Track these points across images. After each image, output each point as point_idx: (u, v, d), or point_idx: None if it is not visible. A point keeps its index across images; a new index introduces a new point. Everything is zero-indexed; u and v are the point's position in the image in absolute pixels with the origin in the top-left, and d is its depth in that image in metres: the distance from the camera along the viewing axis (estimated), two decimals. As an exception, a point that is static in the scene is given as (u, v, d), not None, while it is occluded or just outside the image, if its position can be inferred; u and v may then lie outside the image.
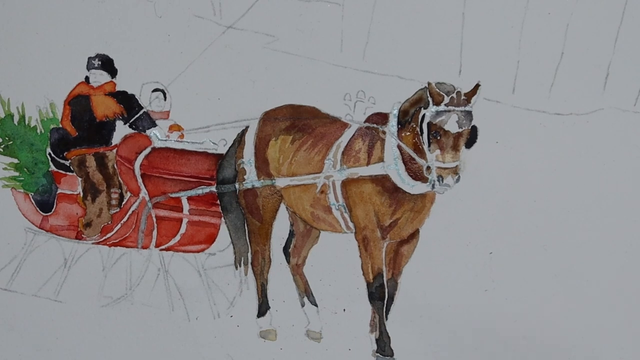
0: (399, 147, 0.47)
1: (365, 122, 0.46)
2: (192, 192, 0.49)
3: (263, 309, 0.51)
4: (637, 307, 0.48)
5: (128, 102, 0.48)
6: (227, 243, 0.50)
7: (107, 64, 0.47)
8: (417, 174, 0.46)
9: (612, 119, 0.44)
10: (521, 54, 0.44)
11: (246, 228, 0.50)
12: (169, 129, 0.48)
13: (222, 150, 0.48)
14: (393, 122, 0.46)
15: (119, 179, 0.49)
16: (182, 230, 0.50)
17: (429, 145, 0.46)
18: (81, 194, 0.51)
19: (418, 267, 0.49)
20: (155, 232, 0.50)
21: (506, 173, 0.46)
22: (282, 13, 0.45)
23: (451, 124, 0.45)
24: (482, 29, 0.43)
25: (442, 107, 0.45)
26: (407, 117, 0.46)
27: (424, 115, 0.46)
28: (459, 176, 0.46)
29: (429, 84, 0.45)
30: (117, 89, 0.47)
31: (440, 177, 0.46)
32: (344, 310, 0.50)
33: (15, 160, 0.51)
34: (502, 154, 0.45)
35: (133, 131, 0.48)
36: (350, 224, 0.48)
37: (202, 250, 0.50)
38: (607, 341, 0.49)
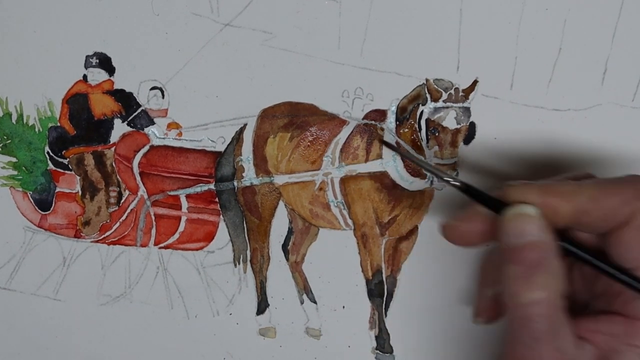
0: (397, 143, 0.47)
1: (363, 118, 0.46)
2: (191, 190, 0.49)
3: (262, 306, 0.51)
4: None
5: (126, 100, 0.48)
6: (226, 241, 0.50)
7: (104, 62, 0.47)
8: (415, 171, 0.46)
9: (611, 115, 0.44)
10: (519, 50, 0.44)
11: (245, 226, 0.50)
12: (167, 127, 0.48)
13: (221, 148, 0.48)
14: (391, 119, 0.46)
15: (118, 177, 0.50)
16: (181, 228, 0.50)
17: (427, 142, 0.46)
18: (80, 193, 0.51)
19: (417, 263, 0.49)
20: (154, 230, 0.50)
21: (504, 169, 0.46)
22: (280, 10, 0.45)
23: (449, 121, 0.45)
24: (479, 26, 0.43)
25: (440, 104, 0.45)
26: (405, 113, 0.46)
27: (422, 112, 0.46)
28: (458, 172, 0.46)
29: (427, 80, 0.45)
30: (115, 87, 0.48)
31: (438, 174, 0.46)
32: (343, 307, 0.50)
33: (14, 159, 0.51)
34: (501, 150, 0.45)
35: (131, 129, 0.48)
36: (349, 221, 0.48)
37: (201, 248, 0.50)
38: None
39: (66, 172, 0.50)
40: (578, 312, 0.36)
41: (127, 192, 0.50)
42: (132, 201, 0.50)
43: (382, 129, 0.46)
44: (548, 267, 0.34)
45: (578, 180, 0.37)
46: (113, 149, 0.49)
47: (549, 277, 0.34)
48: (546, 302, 0.33)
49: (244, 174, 0.49)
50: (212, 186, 0.49)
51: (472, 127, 0.45)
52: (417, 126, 0.46)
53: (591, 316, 0.36)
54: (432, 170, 0.43)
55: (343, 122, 0.47)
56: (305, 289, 0.51)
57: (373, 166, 0.47)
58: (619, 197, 0.34)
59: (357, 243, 0.49)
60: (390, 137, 0.46)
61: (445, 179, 0.40)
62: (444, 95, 0.45)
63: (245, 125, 0.48)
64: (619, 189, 0.35)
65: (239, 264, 0.51)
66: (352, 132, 0.47)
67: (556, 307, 0.33)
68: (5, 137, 0.50)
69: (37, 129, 0.49)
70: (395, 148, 0.46)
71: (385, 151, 0.47)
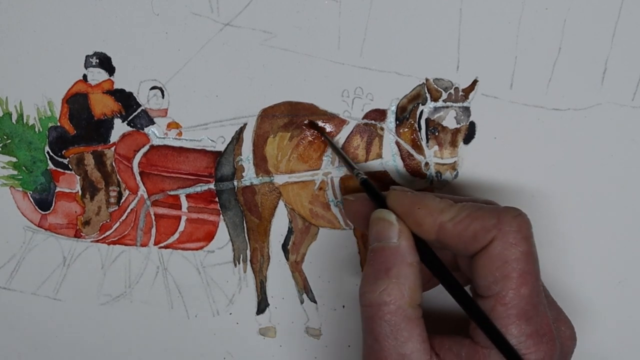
0: (397, 143, 0.47)
1: (363, 118, 0.46)
2: (191, 190, 0.49)
3: (262, 306, 0.51)
4: (637, 303, 0.49)
5: (126, 100, 0.48)
6: (226, 240, 0.50)
7: (104, 62, 0.47)
8: (415, 170, 0.46)
9: (610, 114, 0.44)
10: (519, 50, 0.44)
11: (245, 225, 0.50)
12: (167, 127, 0.48)
13: (221, 147, 0.48)
14: (391, 119, 0.46)
15: (118, 176, 0.50)
16: (181, 227, 0.50)
17: (427, 142, 0.46)
18: (80, 192, 0.51)
19: (417, 263, 0.49)
20: (154, 230, 0.50)
21: (504, 169, 0.46)
22: (280, 10, 0.45)
23: (449, 120, 0.45)
24: (479, 25, 0.43)
25: (440, 103, 0.45)
26: (405, 113, 0.46)
27: (422, 112, 0.46)
28: (457, 172, 0.46)
29: (426, 80, 0.45)
30: (115, 86, 0.47)
31: (438, 173, 0.46)
32: (343, 306, 0.50)
33: (14, 159, 0.51)
34: (500, 150, 0.45)
35: (131, 129, 0.48)
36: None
37: (201, 247, 0.50)
38: (607, 338, 0.49)
39: (66, 171, 0.50)
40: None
41: (127, 191, 0.50)
42: (132, 201, 0.50)
43: (382, 129, 0.46)
44: (396, 273, 0.35)
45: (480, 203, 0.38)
46: (113, 148, 0.49)
47: (394, 282, 0.34)
48: (388, 306, 0.34)
49: (243, 174, 0.49)
50: (212, 186, 0.49)
51: (471, 126, 0.45)
52: (417, 126, 0.46)
53: (450, 335, 0.36)
54: (346, 159, 0.44)
55: (343, 122, 0.47)
56: (305, 288, 0.51)
57: (373, 165, 0.47)
58: (480, 223, 0.35)
59: (357, 243, 0.49)
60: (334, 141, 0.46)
61: (354, 172, 0.42)
62: (444, 95, 0.45)
63: (245, 124, 0.48)
64: (482, 215, 0.35)
65: (239, 263, 0.51)
66: (352, 131, 0.47)
67: (401, 312, 0.34)
68: (5, 137, 0.50)
69: (37, 129, 0.49)
70: (332, 143, 0.46)
71: (385, 151, 0.47)
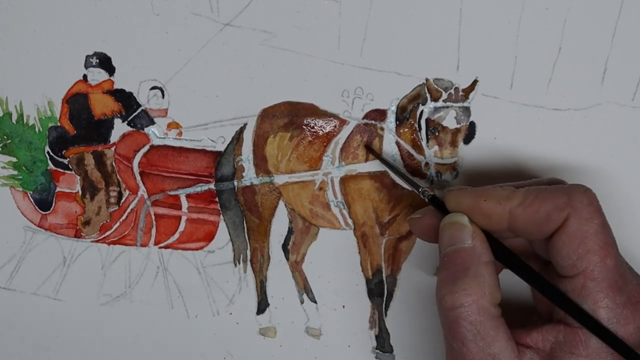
0: (397, 143, 0.47)
1: (363, 118, 0.46)
2: (191, 190, 0.49)
3: (262, 306, 0.51)
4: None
5: (126, 100, 0.48)
6: (226, 240, 0.50)
7: (104, 62, 0.47)
8: (415, 170, 0.46)
9: (610, 114, 0.44)
10: (519, 50, 0.44)
11: (245, 225, 0.50)
12: (167, 127, 0.48)
13: (221, 147, 0.48)
14: (391, 119, 0.46)
15: (118, 177, 0.50)
16: (181, 227, 0.50)
17: (427, 142, 0.46)
18: (80, 192, 0.51)
19: (417, 263, 0.49)
20: (154, 230, 0.50)
21: (504, 169, 0.46)
22: (280, 10, 0.45)
23: (449, 120, 0.45)
24: (479, 25, 0.43)
25: (440, 103, 0.45)
26: (405, 113, 0.46)
27: (422, 112, 0.46)
28: (457, 172, 0.46)
29: (426, 80, 0.45)
30: (115, 87, 0.47)
31: (438, 173, 0.46)
32: (343, 306, 0.50)
33: (14, 159, 0.51)
34: (500, 150, 0.45)
35: (131, 129, 0.48)
36: (349, 221, 0.48)
37: (201, 247, 0.50)
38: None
39: (66, 171, 0.50)
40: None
41: (127, 191, 0.50)
42: (132, 201, 0.50)
43: (382, 129, 0.46)
44: (474, 273, 0.34)
45: (543, 184, 0.38)
46: (113, 148, 0.49)
47: (473, 282, 0.34)
48: (471, 307, 0.34)
49: (244, 174, 0.49)
50: (212, 186, 0.49)
51: (472, 126, 0.45)
52: (417, 126, 0.46)
53: (537, 326, 0.36)
54: (409, 179, 0.43)
55: (343, 122, 0.47)
56: (305, 288, 0.51)
57: (373, 166, 0.47)
58: (552, 203, 0.35)
59: (357, 243, 0.49)
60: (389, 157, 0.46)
61: (420, 190, 0.41)
62: (444, 95, 0.45)
63: (245, 125, 0.48)
64: (552, 196, 0.35)
65: (239, 263, 0.51)
66: (352, 131, 0.47)
67: (484, 312, 0.34)
68: (5, 137, 0.50)
69: (37, 129, 0.49)
70: (378, 155, 0.46)
71: (386, 151, 0.47)
